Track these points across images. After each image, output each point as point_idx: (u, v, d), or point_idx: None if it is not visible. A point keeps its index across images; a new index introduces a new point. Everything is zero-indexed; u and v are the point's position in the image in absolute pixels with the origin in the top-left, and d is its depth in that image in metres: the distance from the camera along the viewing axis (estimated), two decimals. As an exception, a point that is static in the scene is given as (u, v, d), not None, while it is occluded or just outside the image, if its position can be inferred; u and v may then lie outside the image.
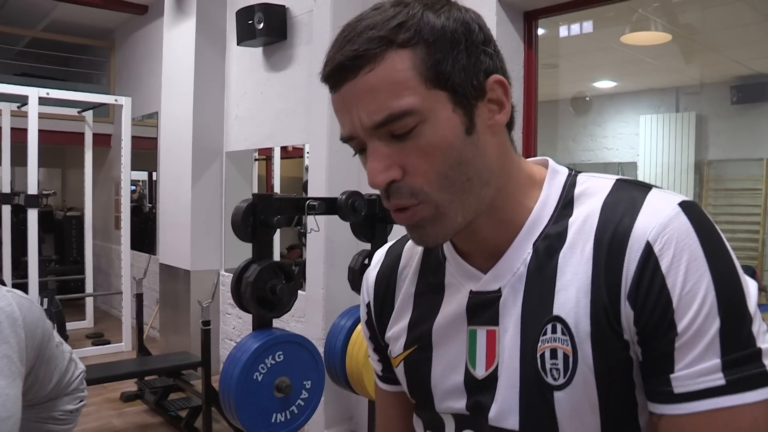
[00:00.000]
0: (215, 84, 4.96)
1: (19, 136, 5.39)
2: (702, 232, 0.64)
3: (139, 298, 4.75)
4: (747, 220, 7.04)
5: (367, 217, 3.01)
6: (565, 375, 0.67)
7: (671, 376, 0.62)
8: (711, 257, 0.63)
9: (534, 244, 0.73)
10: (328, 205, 2.90)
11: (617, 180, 0.73)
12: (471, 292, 0.76)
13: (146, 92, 6.33)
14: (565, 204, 0.73)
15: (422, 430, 0.85)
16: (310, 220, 3.11)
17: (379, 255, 0.93)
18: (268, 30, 4.24)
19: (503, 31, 3.08)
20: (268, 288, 2.56)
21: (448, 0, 0.69)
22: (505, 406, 0.72)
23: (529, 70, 3.18)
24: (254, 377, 2.43)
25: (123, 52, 7.26)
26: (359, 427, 3.73)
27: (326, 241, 3.67)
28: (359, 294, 3.25)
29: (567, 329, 0.68)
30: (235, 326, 4.80)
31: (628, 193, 0.70)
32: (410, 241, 0.89)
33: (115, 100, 5.96)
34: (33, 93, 5.21)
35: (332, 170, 3.72)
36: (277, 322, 2.71)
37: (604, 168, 7.89)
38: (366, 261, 3.05)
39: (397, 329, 0.85)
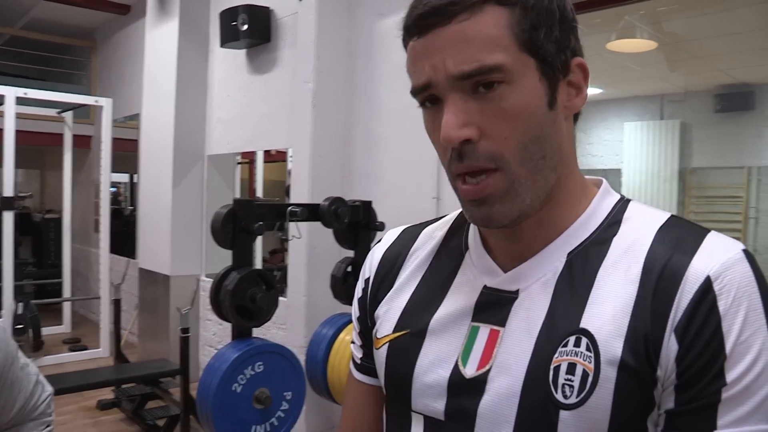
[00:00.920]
0: (198, 86, 4.89)
1: (-5, 136, 5.27)
2: (762, 286, 0.60)
3: (117, 303, 4.66)
4: (728, 227, 7.09)
5: (350, 224, 2.97)
6: (579, 394, 0.61)
7: None
8: None
9: (569, 254, 0.69)
10: (311, 212, 2.85)
11: (672, 215, 0.69)
12: (485, 287, 0.72)
13: (128, 93, 6.23)
14: (612, 223, 0.70)
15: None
16: (292, 227, 3.05)
17: (392, 234, 0.88)
18: (252, 32, 4.18)
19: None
20: (248, 296, 2.50)
21: None
22: (497, 415, 0.65)
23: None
24: (233, 388, 2.37)
25: (104, 52, 7.15)
26: (341, 436, 3.67)
27: (308, 248, 3.62)
28: (341, 302, 3.18)
29: (593, 346, 0.62)
30: (215, 333, 4.72)
31: (688, 229, 0.66)
32: (432, 226, 0.85)
33: (96, 101, 5.86)
34: (10, 92, 5.10)
35: (315, 176, 3.67)
36: (257, 330, 2.65)
37: (588, 174, 7.91)
38: (349, 269, 3.00)
39: (391, 308, 0.79)
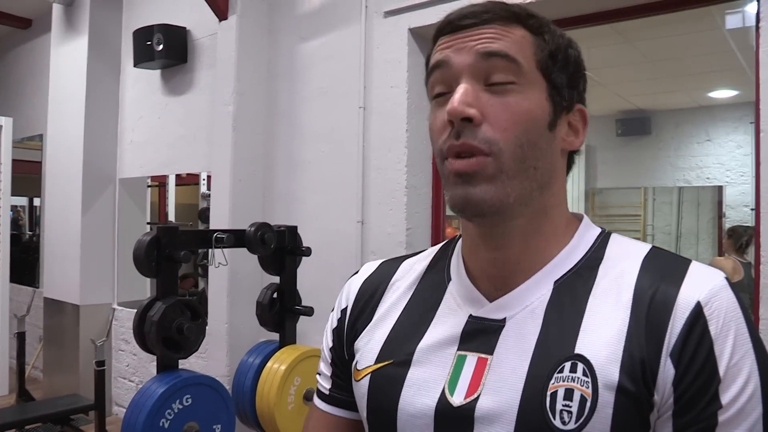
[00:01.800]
0: (108, 107, 4.69)
1: None
2: (744, 312, 0.63)
3: (21, 337, 4.37)
4: (629, 245, 7.46)
5: (276, 250, 2.93)
6: (578, 420, 0.61)
7: None
8: (754, 339, 0.62)
9: (555, 283, 0.70)
10: (237, 238, 2.79)
11: (654, 246, 0.73)
12: (471, 316, 0.72)
13: (29, 113, 5.90)
14: (596, 256, 0.72)
15: None
16: (218, 254, 2.97)
17: (370, 266, 0.88)
18: (168, 52, 4.07)
19: (414, 61, 3.11)
20: (174, 327, 2.41)
21: None
22: None
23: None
24: (161, 424, 2.27)
25: (3, 68, 6.75)
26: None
27: (230, 274, 3.54)
28: (268, 329, 3.10)
29: (590, 371, 0.63)
30: (129, 364, 4.51)
31: (671, 259, 0.70)
32: (412, 259, 0.85)
33: (-6, 121, 5.52)
34: None
35: (236, 200, 3.60)
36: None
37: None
38: (275, 295, 2.95)
39: (372, 338, 0.78)
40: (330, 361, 0.86)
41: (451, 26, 0.71)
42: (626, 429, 0.61)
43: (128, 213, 4.76)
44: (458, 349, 0.71)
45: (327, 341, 0.87)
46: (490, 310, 0.71)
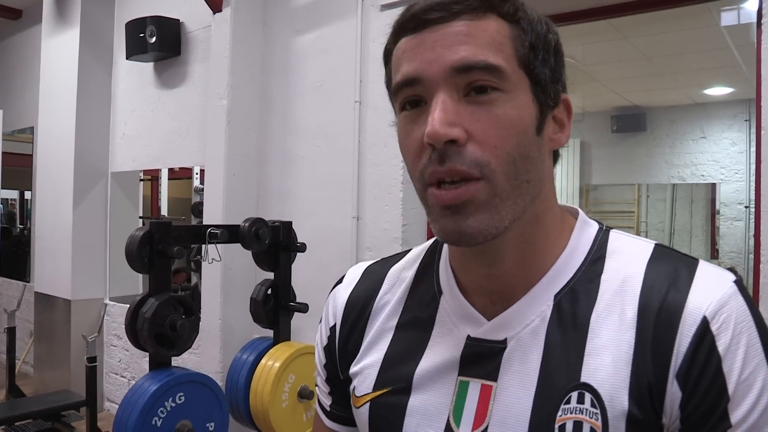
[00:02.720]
0: (100, 99, 4.64)
1: None
2: (756, 318, 0.59)
3: (11, 332, 4.32)
4: (623, 242, 7.49)
5: (270, 246, 2.89)
6: None
7: None
8: (766, 347, 0.58)
9: (555, 297, 0.65)
10: (231, 233, 2.76)
11: (657, 245, 0.68)
12: (469, 337, 0.68)
13: (20, 105, 5.83)
14: (596, 259, 0.67)
15: None
16: (211, 249, 2.94)
17: (354, 273, 0.82)
18: (161, 44, 4.02)
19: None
20: (167, 324, 2.38)
21: None
22: None
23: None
24: (153, 422, 2.24)
25: (-8, 60, 6.68)
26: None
27: (223, 269, 3.50)
28: (262, 326, 3.07)
29: (598, 401, 0.59)
30: (121, 359, 4.47)
31: (676, 262, 0.65)
32: (398, 265, 0.79)
33: (-17, 113, 5.45)
34: None
35: (230, 195, 3.56)
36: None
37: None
38: (269, 291, 2.92)
39: (367, 364, 0.74)
40: (326, 377, 0.82)
41: (416, 20, 0.62)
42: None
43: (120, 207, 4.71)
44: (459, 375, 0.67)
45: (320, 357, 0.83)
46: (488, 331, 0.67)
